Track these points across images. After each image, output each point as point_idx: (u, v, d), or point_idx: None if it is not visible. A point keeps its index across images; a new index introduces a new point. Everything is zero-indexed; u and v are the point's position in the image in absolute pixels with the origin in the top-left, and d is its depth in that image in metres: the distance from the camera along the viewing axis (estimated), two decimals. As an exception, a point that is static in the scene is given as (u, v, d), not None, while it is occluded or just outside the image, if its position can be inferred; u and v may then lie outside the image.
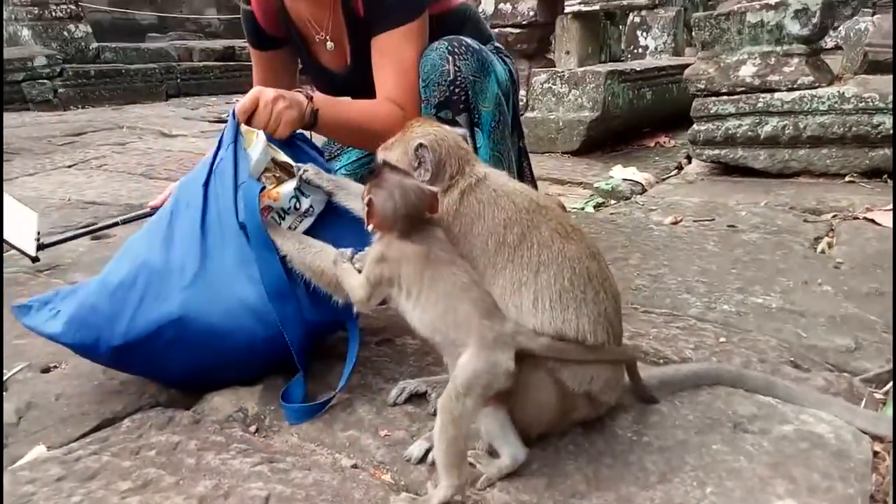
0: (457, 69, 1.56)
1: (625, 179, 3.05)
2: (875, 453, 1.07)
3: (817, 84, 2.87)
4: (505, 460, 1.01)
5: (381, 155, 1.15)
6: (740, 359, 1.35)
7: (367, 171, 1.12)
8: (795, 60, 2.93)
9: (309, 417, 1.19)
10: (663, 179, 3.22)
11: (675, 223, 2.37)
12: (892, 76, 2.86)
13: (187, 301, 1.18)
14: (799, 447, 1.06)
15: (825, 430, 1.10)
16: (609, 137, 3.96)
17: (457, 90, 1.57)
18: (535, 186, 2.06)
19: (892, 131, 2.71)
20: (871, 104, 2.75)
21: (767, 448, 1.06)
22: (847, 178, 2.83)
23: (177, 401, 1.25)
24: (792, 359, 1.35)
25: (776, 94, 2.92)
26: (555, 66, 5.63)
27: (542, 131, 3.87)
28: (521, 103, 1.89)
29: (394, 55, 1.58)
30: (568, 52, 5.84)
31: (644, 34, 5.93)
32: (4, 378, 1.28)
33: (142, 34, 11.47)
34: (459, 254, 1.04)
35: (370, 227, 1.05)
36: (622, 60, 6.12)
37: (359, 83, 1.67)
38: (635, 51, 5.99)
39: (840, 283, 1.73)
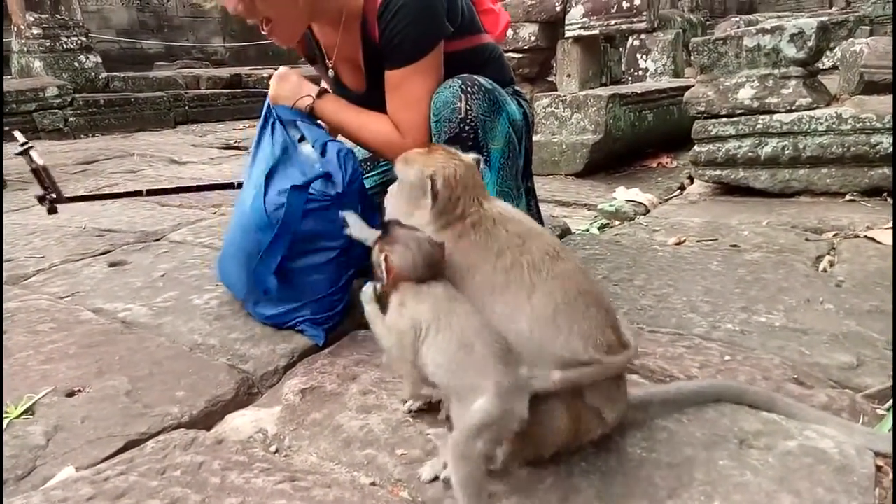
0: (468, 108, 1.60)
1: (628, 200, 3.09)
2: (878, 468, 1.09)
3: (815, 105, 2.93)
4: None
5: (398, 169, 1.19)
6: (745, 376, 1.38)
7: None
8: (793, 83, 2.99)
9: (324, 330, 1.60)
10: (666, 200, 3.27)
11: (679, 243, 2.41)
12: (888, 97, 2.92)
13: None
14: (803, 462, 1.09)
15: (829, 445, 1.13)
16: (612, 159, 4.01)
17: (467, 128, 1.61)
18: (542, 223, 2.10)
19: (889, 150, 2.76)
20: (868, 124, 2.80)
21: (773, 463, 1.09)
22: (847, 197, 2.87)
23: (198, 422, 1.29)
24: (795, 376, 1.38)
25: (775, 116, 2.97)
26: (556, 90, 5.74)
27: (545, 154, 3.93)
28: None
29: (403, 89, 1.65)
30: (569, 76, 5.95)
31: (644, 57, 6.03)
32: (32, 402, 1.32)
33: (149, 63, 11.70)
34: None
35: (389, 284, 1.05)
36: (623, 82, 6.22)
37: (375, 106, 1.74)
38: (635, 73, 6.08)
39: (842, 301, 1.77)
